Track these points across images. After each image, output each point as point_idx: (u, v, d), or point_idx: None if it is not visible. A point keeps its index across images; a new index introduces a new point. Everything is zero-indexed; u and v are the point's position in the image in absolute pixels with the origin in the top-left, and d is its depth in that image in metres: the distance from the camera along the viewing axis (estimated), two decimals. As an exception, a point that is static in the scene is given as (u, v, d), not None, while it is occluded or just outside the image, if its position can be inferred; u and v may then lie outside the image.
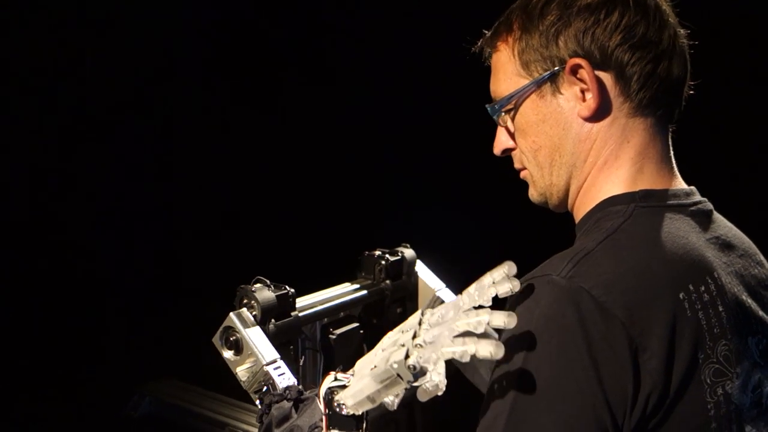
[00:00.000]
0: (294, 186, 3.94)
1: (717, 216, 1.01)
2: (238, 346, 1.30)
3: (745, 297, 0.93)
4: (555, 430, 0.79)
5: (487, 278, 0.85)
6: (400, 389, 0.86)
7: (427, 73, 3.69)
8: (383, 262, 1.65)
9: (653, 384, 0.80)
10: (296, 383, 1.26)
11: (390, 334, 0.95)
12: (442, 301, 1.61)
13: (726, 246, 0.96)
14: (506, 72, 1.03)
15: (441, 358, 0.81)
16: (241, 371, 1.29)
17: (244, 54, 3.80)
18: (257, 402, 1.28)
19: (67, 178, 3.17)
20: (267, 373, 1.26)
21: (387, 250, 1.69)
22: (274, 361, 1.26)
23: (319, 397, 1.02)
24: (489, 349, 0.78)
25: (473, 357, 1.57)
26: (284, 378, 1.26)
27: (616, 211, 0.94)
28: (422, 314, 0.90)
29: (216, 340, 1.30)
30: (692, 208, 0.96)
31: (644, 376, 0.80)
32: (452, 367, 1.58)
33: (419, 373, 0.83)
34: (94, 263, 3.13)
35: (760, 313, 0.94)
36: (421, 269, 1.72)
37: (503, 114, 1.06)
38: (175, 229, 3.48)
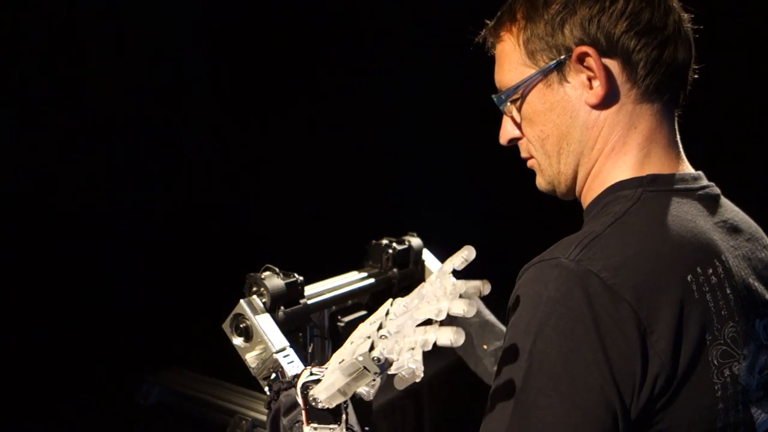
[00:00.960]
0: (301, 177, 3.96)
1: (724, 200, 1.01)
2: (248, 333, 1.32)
3: (752, 280, 0.94)
4: (563, 412, 0.81)
5: (447, 264, 0.86)
6: (369, 380, 0.87)
7: (437, 64, 3.70)
8: (390, 251, 1.66)
9: (661, 365, 0.81)
10: (302, 369, 1.27)
11: (361, 326, 0.97)
12: None
13: (733, 230, 0.97)
14: (511, 62, 1.04)
15: (404, 348, 0.82)
16: (251, 358, 1.30)
17: (252, 43, 3.80)
18: (266, 389, 1.29)
19: (78, 170, 3.19)
20: (276, 361, 1.27)
21: (394, 239, 1.70)
22: (284, 349, 1.28)
23: (296, 392, 1.04)
24: (449, 337, 0.79)
25: (475, 347, 1.59)
26: (293, 366, 1.27)
27: (624, 195, 0.94)
28: (390, 305, 0.91)
29: (226, 326, 1.31)
30: (699, 192, 0.97)
31: (652, 358, 0.81)
32: (456, 356, 1.60)
33: (385, 364, 0.84)
34: (105, 253, 3.16)
35: (767, 296, 0.95)
36: (428, 258, 1.74)
37: (509, 104, 1.07)
38: (185, 219, 3.50)
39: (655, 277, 0.84)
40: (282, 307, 1.37)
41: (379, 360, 0.84)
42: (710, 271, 0.88)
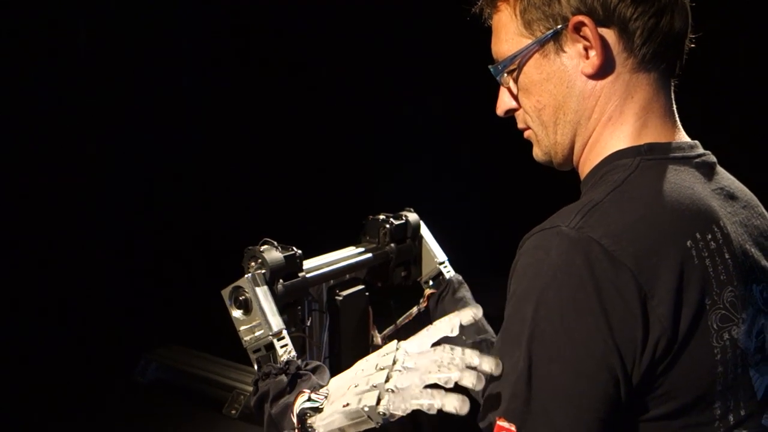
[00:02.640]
0: (295, 155, 3.96)
1: (720, 168, 1.02)
2: (247, 307, 1.32)
3: (749, 246, 0.95)
4: (565, 378, 0.82)
5: (455, 319, 0.93)
6: (369, 426, 0.92)
7: (432, 38, 3.69)
8: (387, 226, 1.67)
9: (662, 329, 0.82)
10: (296, 357, 1.28)
11: (363, 363, 1.00)
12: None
13: (730, 197, 0.98)
14: (508, 32, 1.03)
15: (410, 407, 0.87)
16: (245, 331, 1.31)
17: (250, 14, 3.77)
18: (254, 364, 1.30)
19: (77, 153, 3.18)
20: (271, 343, 1.28)
21: (391, 215, 1.71)
22: (280, 332, 1.29)
23: (292, 413, 1.08)
24: (455, 405, 0.85)
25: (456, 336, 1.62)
26: (286, 351, 1.28)
27: (622, 164, 0.95)
28: (396, 349, 0.95)
29: (225, 293, 1.32)
30: (696, 160, 0.98)
31: (653, 322, 0.82)
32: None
33: (389, 417, 0.89)
34: (102, 232, 3.15)
35: (763, 262, 0.96)
36: (426, 233, 1.75)
37: (506, 75, 1.07)
38: (180, 198, 3.50)
39: (655, 243, 0.85)
40: (281, 280, 1.38)
41: (384, 414, 0.88)
42: (709, 236, 0.89)
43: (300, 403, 1.08)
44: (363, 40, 3.97)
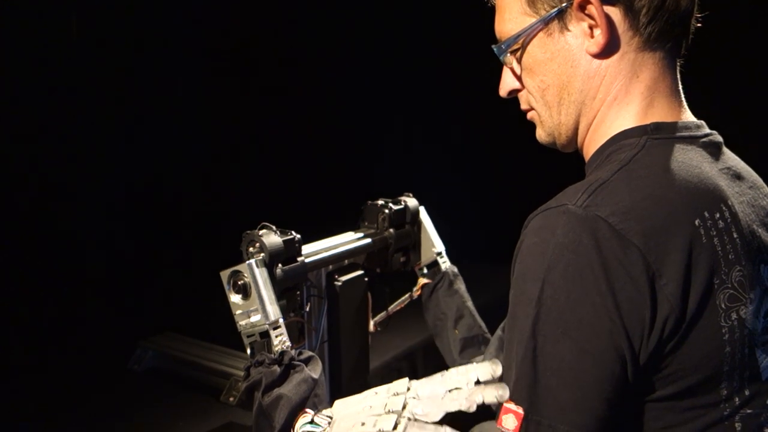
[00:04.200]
0: (291, 141, 3.93)
1: (726, 149, 1.01)
2: (245, 293, 1.31)
3: (756, 226, 0.94)
4: (572, 357, 0.81)
5: (472, 373, 0.93)
6: None
7: (431, 26, 3.67)
8: (386, 211, 1.66)
9: (670, 308, 0.81)
10: (290, 346, 1.28)
11: (372, 397, 1.01)
12: None
13: (736, 176, 0.97)
14: (512, 11, 1.02)
15: None
16: (241, 315, 1.30)
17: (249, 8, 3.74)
18: (248, 348, 1.30)
19: (67, 143, 3.15)
20: (266, 332, 1.28)
21: (390, 200, 1.70)
22: (276, 322, 1.28)
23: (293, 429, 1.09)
24: None
25: (448, 329, 1.61)
26: (281, 341, 1.27)
27: (629, 144, 0.94)
28: (407, 389, 0.97)
29: (224, 275, 1.30)
30: (703, 140, 0.96)
31: (661, 301, 0.81)
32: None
33: None
34: (96, 221, 3.12)
35: None
36: (426, 220, 1.74)
37: (509, 55, 1.06)
38: (177, 186, 3.47)
39: (663, 221, 0.84)
40: (280, 265, 1.36)
41: None
42: (717, 215, 0.88)
43: (302, 424, 1.09)
44: (360, 28, 3.95)
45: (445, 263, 1.72)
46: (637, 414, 0.86)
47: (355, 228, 1.69)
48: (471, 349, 1.62)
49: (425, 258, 1.74)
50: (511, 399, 0.84)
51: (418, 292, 1.71)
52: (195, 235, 3.40)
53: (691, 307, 0.83)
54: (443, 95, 3.83)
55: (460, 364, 1.60)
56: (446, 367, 1.70)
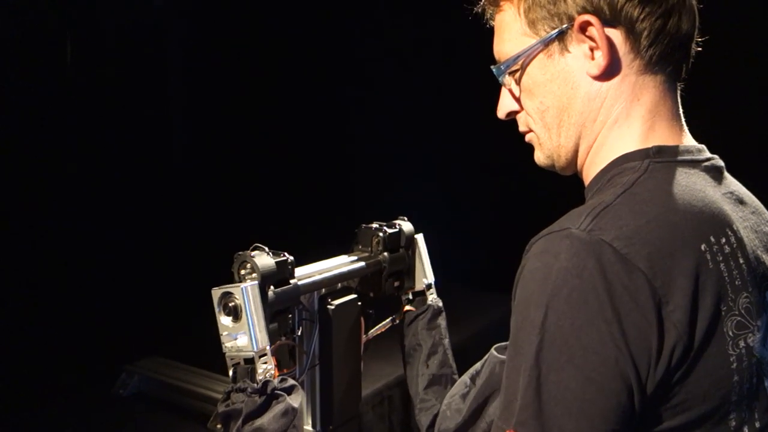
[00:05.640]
0: (284, 164, 3.92)
1: (727, 174, 1.01)
2: (236, 315, 1.28)
3: (761, 252, 0.93)
4: (577, 386, 0.78)
5: None
6: None
7: (425, 46, 3.69)
8: (381, 235, 1.64)
9: (678, 336, 0.79)
10: (273, 375, 1.25)
11: None
12: None
13: (739, 201, 0.96)
14: (511, 32, 1.01)
15: None
16: (228, 337, 1.27)
17: (242, 19, 3.75)
18: (230, 370, 1.27)
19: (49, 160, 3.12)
20: (252, 360, 1.25)
21: (384, 223, 1.68)
22: (263, 350, 1.25)
23: None
24: None
25: (419, 362, 1.58)
26: (265, 370, 1.24)
27: (631, 167, 0.93)
28: None
29: (215, 296, 1.27)
30: (705, 164, 0.96)
31: (668, 328, 0.79)
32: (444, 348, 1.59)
33: None
34: (80, 242, 3.09)
35: None
36: (421, 245, 1.72)
37: (508, 76, 1.05)
38: (164, 208, 3.44)
39: (668, 246, 0.82)
40: (272, 287, 1.33)
41: None
42: (723, 240, 0.87)
43: None
44: (362, 41, 3.98)
45: (432, 296, 1.70)
46: None
47: (348, 251, 1.67)
48: (437, 387, 1.59)
49: (417, 286, 1.71)
50: (514, 429, 0.81)
51: (401, 318, 1.69)
52: (185, 259, 3.36)
53: (698, 334, 0.81)
54: (444, 122, 3.84)
55: (423, 399, 1.58)
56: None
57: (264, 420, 1.17)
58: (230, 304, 1.28)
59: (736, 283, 0.85)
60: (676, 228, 0.84)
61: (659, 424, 0.82)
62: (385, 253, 1.64)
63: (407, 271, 1.70)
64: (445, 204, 3.58)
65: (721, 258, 0.85)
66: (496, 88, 1.11)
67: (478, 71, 1.18)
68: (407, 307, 1.68)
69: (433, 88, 3.85)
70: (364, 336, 1.63)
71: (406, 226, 1.70)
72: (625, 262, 0.80)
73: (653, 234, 0.83)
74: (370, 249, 1.66)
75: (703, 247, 0.84)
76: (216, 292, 1.28)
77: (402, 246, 1.68)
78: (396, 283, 1.69)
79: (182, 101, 3.55)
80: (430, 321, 1.64)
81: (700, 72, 1.08)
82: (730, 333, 0.83)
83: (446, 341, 1.63)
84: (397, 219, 1.71)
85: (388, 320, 1.69)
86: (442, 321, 1.65)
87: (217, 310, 1.29)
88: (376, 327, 1.67)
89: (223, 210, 3.70)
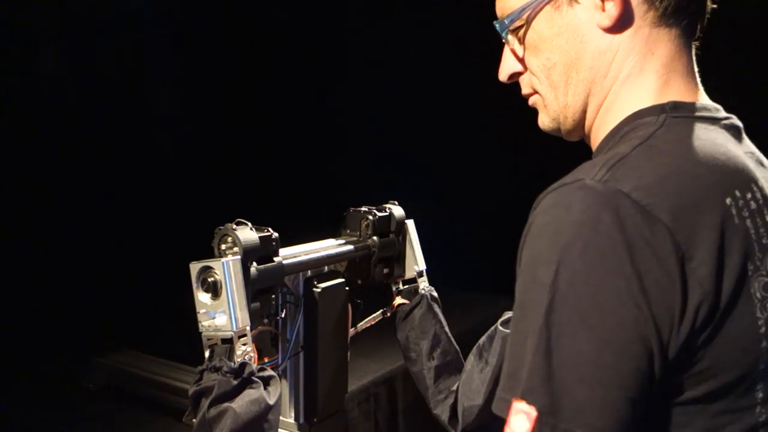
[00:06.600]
0: (265, 149, 3.83)
1: (745, 136, 0.95)
2: (215, 291, 1.20)
3: None
4: (591, 350, 0.71)
5: None
6: None
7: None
8: (370, 218, 1.57)
9: (703, 294, 0.72)
10: (253, 359, 1.18)
11: None
12: None
13: (760, 162, 0.90)
14: None
15: None
16: (205, 315, 1.18)
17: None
18: (206, 351, 1.19)
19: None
20: (231, 340, 1.16)
21: (374, 207, 1.61)
22: (243, 330, 1.17)
23: None
24: None
25: (423, 355, 1.51)
26: (244, 352, 1.17)
27: (646, 122, 0.86)
28: None
29: (194, 271, 1.19)
30: (724, 122, 0.89)
31: (692, 286, 0.72)
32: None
33: None
34: (48, 231, 2.97)
35: None
36: (412, 232, 1.64)
37: (511, 35, 0.99)
38: (136, 199, 3.34)
39: (691, 198, 0.75)
40: (255, 263, 1.25)
41: None
42: (749, 195, 0.80)
43: None
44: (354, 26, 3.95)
45: (424, 284, 1.62)
46: (662, 419, 0.76)
47: (336, 235, 1.59)
48: (447, 376, 1.52)
49: (407, 273, 1.64)
50: (522, 397, 0.72)
51: (392, 311, 1.61)
52: (157, 248, 3.24)
53: (725, 293, 0.74)
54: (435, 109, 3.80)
55: (436, 393, 1.51)
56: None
57: (234, 404, 1.09)
58: (209, 280, 1.19)
59: (763, 241, 0.79)
60: (698, 180, 0.78)
61: (680, 394, 0.75)
62: (375, 237, 1.57)
63: (397, 257, 1.63)
64: (434, 190, 3.53)
65: (747, 214, 0.79)
66: (483, 72, 1.05)
67: (476, 56, 1.12)
68: (400, 301, 1.60)
69: (428, 75, 3.81)
70: (352, 329, 1.54)
71: (397, 210, 1.62)
72: (645, 213, 0.73)
73: (675, 186, 0.76)
74: (358, 233, 1.58)
75: (728, 201, 0.78)
76: (194, 266, 1.20)
77: (392, 231, 1.61)
78: (385, 270, 1.61)
79: (163, 82, 3.46)
80: (426, 312, 1.57)
81: (717, 30, 1.02)
82: (758, 294, 0.77)
83: (446, 328, 1.56)
84: (387, 203, 1.63)
85: (378, 313, 1.61)
86: (438, 309, 1.58)
87: (195, 285, 1.21)
88: (365, 320, 1.59)
89: (199, 204, 3.59)
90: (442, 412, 1.46)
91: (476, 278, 3.36)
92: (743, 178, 0.82)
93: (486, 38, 1.05)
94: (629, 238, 0.72)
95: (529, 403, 0.71)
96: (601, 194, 0.74)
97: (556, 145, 1.14)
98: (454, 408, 1.44)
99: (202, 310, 1.19)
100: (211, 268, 1.19)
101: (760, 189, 0.83)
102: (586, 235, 0.73)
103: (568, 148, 1.06)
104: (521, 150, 3.20)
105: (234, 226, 1.24)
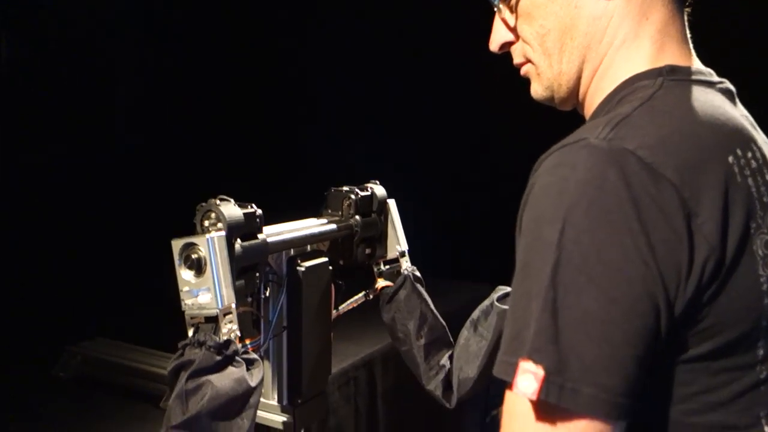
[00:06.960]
0: (243, 134, 3.77)
1: (737, 100, 0.96)
2: (199, 268, 1.16)
3: None
4: (599, 308, 0.70)
5: None
6: None
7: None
8: (352, 197, 1.55)
9: (710, 249, 0.73)
10: (238, 337, 1.14)
11: None
12: None
13: (753, 126, 0.91)
14: None
15: None
16: (188, 293, 1.15)
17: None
18: (189, 330, 1.14)
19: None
20: (216, 318, 1.13)
21: (355, 186, 1.59)
22: (228, 308, 1.14)
23: None
24: None
25: (412, 335, 1.51)
26: (230, 330, 1.13)
27: (644, 85, 0.86)
28: None
29: (176, 248, 1.15)
30: (719, 86, 0.90)
31: (699, 242, 0.72)
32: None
33: None
34: (21, 219, 2.88)
35: None
36: (394, 211, 1.63)
37: (502, 4, 0.98)
38: (109, 186, 3.26)
39: (695, 156, 0.76)
40: (239, 240, 1.22)
41: None
42: (749, 154, 0.81)
43: None
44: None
45: (406, 264, 1.61)
46: (665, 378, 0.76)
47: (317, 215, 1.57)
48: (436, 352, 1.52)
49: (390, 254, 1.63)
50: (528, 357, 0.71)
51: (375, 293, 1.59)
52: (126, 238, 3.17)
53: (730, 249, 0.74)
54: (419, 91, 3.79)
55: (427, 370, 1.50)
56: (408, 376, 1.58)
57: (214, 377, 1.05)
58: (193, 256, 1.16)
59: (764, 199, 0.80)
60: (701, 139, 0.78)
61: (684, 351, 0.75)
62: (357, 217, 1.55)
63: (379, 237, 1.61)
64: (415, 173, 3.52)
65: (748, 172, 0.79)
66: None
67: (464, 26, 1.11)
68: (383, 283, 1.58)
69: (411, 59, 3.80)
70: (334, 311, 1.52)
71: (379, 189, 1.61)
72: (651, 171, 0.73)
73: (678, 145, 0.76)
74: (340, 212, 1.56)
75: (730, 159, 0.79)
76: (177, 243, 1.16)
77: (374, 211, 1.59)
78: (367, 251, 1.59)
79: (133, 59, 3.38)
80: (411, 293, 1.56)
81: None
82: (760, 252, 0.77)
83: (431, 305, 1.55)
84: (368, 182, 1.62)
85: (360, 295, 1.59)
86: (422, 289, 1.57)
87: (177, 263, 1.17)
88: (347, 302, 1.57)
89: (174, 192, 3.51)
90: (436, 387, 1.46)
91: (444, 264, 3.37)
92: (743, 138, 0.83)
93: (470, 4, 1.04)
94: (635, 196, 0.72)
95: (536, 362, 0.71)
96: (607, 152, 0.74)
97: (533, 121, 1.14)
98: (446, 381, 1.44)
99: (185, 288, 1.15)
100: (195, 244, 1.15)
101: (759, 148, 0.84)
102: (591, 193, 0.72)
103: (548, 126, 1.05)
104: (500, 129, 3.22)
105: (218, 202, 1.21)
